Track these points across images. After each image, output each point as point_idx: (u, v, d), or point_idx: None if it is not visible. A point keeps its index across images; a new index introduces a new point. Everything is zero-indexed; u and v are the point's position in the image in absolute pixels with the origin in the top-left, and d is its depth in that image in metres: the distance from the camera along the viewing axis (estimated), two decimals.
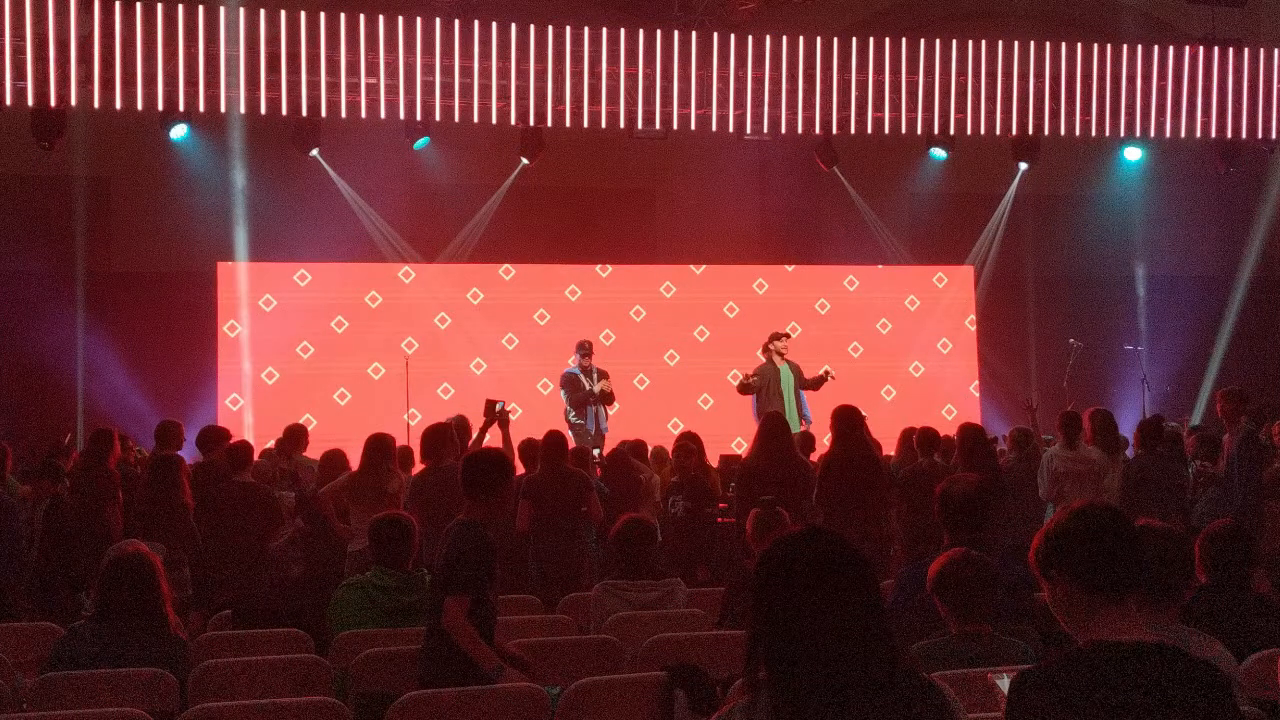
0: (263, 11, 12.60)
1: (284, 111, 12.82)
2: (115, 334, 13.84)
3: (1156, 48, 14.59)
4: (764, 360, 11.96)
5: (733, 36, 13.80)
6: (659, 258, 15.50)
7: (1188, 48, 14.66)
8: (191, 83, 12.46)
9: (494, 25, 13.12)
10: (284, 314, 14.02)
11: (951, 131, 14.30)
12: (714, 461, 10.29)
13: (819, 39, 13.98)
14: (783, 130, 14.03)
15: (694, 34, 13.65)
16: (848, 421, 8.39)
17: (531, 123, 13.46)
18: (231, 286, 13.96)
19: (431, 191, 15.10)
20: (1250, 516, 8.89)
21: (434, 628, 4.86)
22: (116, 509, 8.59)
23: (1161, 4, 15.60)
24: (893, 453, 10.54)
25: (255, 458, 9.53)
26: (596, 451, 10.64)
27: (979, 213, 16.14)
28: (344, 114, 12.97)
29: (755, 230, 16.16)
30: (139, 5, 12.26)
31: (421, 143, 13.60)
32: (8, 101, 12.15)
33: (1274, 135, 14.82)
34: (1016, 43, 14.33)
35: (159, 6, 12.27)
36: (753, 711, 2.44)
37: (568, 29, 13.34)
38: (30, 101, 12.18)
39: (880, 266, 15.82)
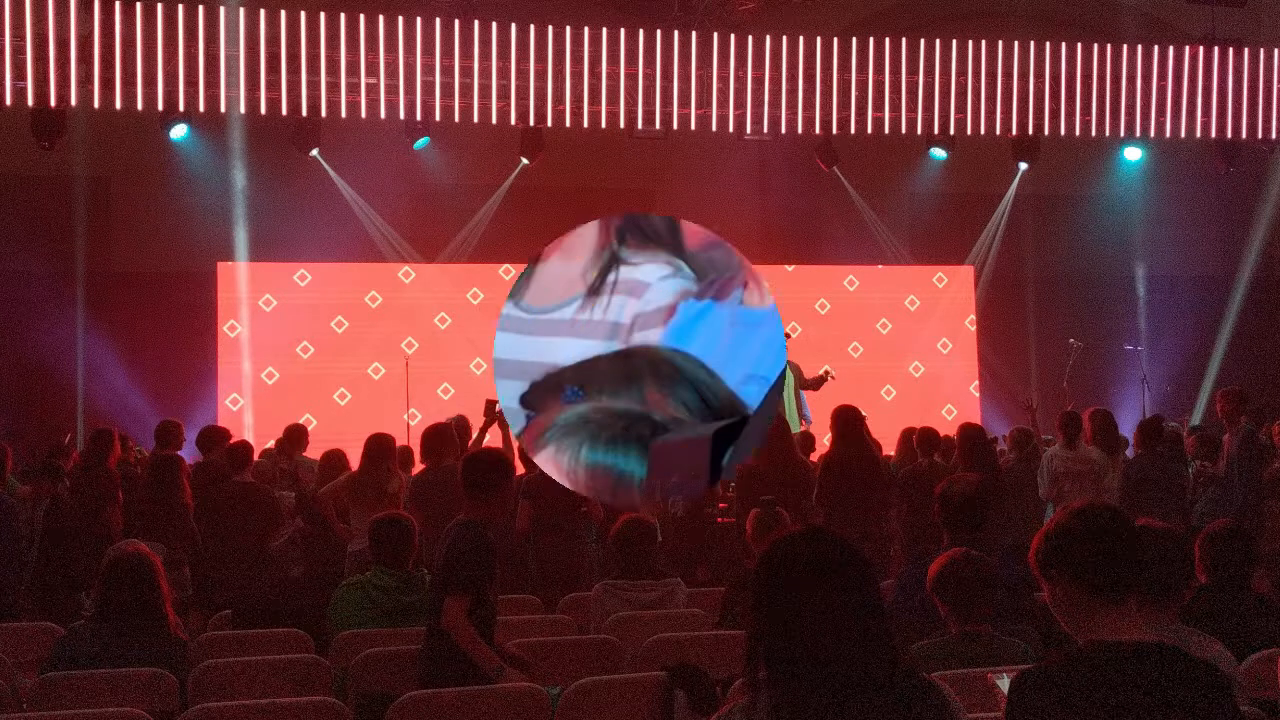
0: (263, 11, 12.60)
1: (284, 111, 12.82)
2: (115, 334, 13.82)
3: (1156, 48, 14.59)
4: None
5: (733, 36, 13.80)
6: None
7: (1188, 48, 14.66)
8: (191, 83, 12.46)
9: (494, 25, 13.12)
10: (284, 314, 14.01)
11: (951, 131, 14.29)
12: None
13: (819, 39, 13.97)
14: (783, 130, 14.03)
15: (694, 34, 13.65)
16: (848, 421, 8.39)
17: (531, 123, 13.46)
18: (231, 286, 13.96)
19: (431, 191, 15.09)
20: (1250, 516, 8.90)
21: (434, 628, 4.85)
22: (116, 509, 8.61)
23: (1161, 4, 15.59)
24: (893, 453, 10.53)
25: (255, 458, 9.53)
26: None
27: (979, 213, 16.14)
28: (344, 114, 12.97)
29: (755, 230, 16.12)
30: (139, 5, 12.26)
31: (421, 143, 13.60)
32: (8, 101, 12.15)
33: (1274, 135, 14.82)
34: (1016, 43, 14.33)
35: (159, 6, 12.27)
36: (753, 711, 2.44)
37: (568, 29, 13.34)
38: (30, 101, 12.18)
39: (880, 266, 15.81)
